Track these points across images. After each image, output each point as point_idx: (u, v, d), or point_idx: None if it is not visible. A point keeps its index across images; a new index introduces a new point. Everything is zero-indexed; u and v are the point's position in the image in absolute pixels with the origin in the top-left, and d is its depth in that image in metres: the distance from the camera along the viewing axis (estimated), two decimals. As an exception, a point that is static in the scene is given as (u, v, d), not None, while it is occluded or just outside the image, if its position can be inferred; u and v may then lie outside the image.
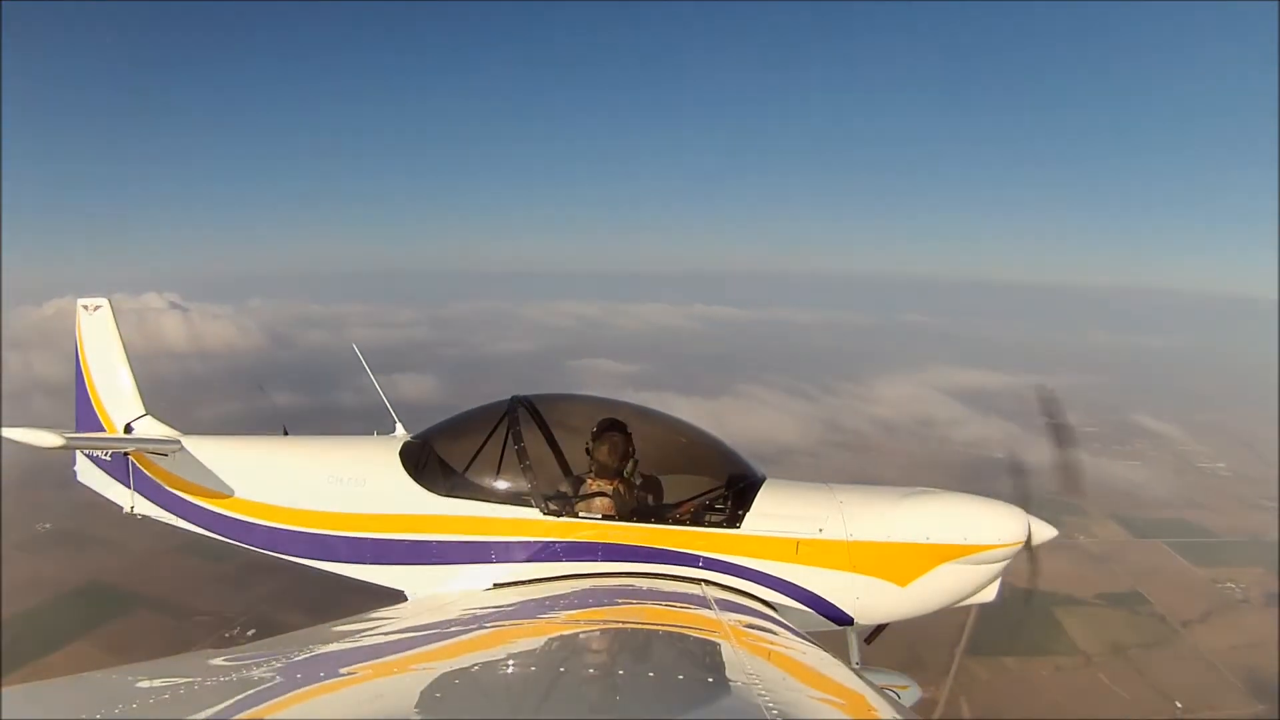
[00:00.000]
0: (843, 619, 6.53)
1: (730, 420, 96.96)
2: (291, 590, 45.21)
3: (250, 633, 46.18)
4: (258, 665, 4.06)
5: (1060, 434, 6.99)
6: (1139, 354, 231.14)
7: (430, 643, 4.92)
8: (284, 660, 4.14)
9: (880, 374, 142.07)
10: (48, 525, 63.60)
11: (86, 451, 8.92)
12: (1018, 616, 58.62)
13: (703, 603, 5.78)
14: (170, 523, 8.38)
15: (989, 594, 6.82)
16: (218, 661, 4.25)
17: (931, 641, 51.39)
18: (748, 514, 6.48)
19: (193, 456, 7.91)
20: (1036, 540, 6.62)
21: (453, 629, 5.19)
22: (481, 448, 6.93)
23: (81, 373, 9.22)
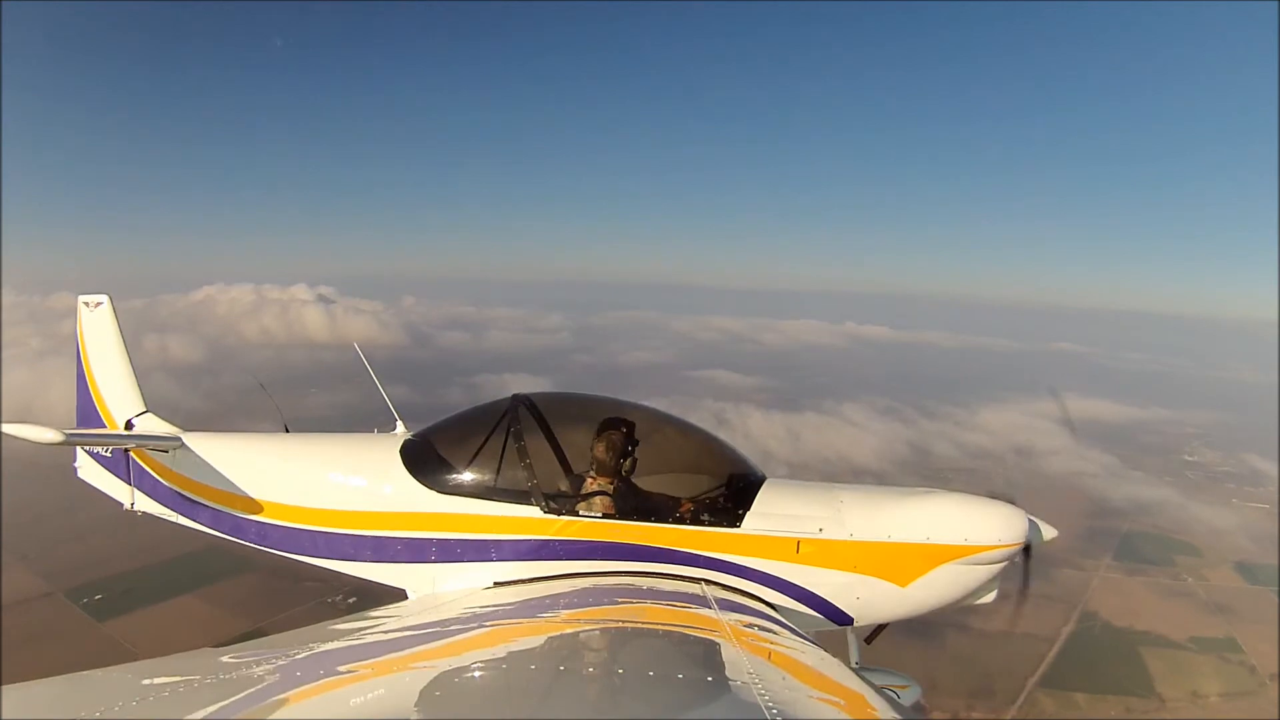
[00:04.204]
0: (843, 619, 6.55)
1: (806, 437, 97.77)
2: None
3: (351, 600, 47.30)
4: (258, 664, 4.11)
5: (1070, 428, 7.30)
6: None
7: (430, 641, 4.98)
8: (284, 659, 4.20)
9: (998, 400, 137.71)
10: (176, 489, 68.47)
11: (87, 448, 8.95)
12: (1102, 652, 57.42)
13: (703, 602, 5.83)
14: (171, 520, 8.42)
15: (989, 595, 6.74)
16: (218, 660, 4.29)
17: (1006, 670, 50.90)
18: (748, 513, 6.49)
19: (193, 453, 7.91)
20: (1037, 541, 6.62)
21: (453, 628, 5.24)
22: (482, 446, 6.94)
23: (83, 369, 9.23)
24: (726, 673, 4.03)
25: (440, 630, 5.18)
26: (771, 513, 6.49)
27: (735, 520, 6.48)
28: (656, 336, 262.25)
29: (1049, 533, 6.77)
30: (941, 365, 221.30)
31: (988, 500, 6.63)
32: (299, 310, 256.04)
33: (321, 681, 3.84)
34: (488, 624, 5.48)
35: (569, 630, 5.19)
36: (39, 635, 52.02)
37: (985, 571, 6.48)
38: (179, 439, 8.06)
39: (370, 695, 3.82)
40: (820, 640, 5.45)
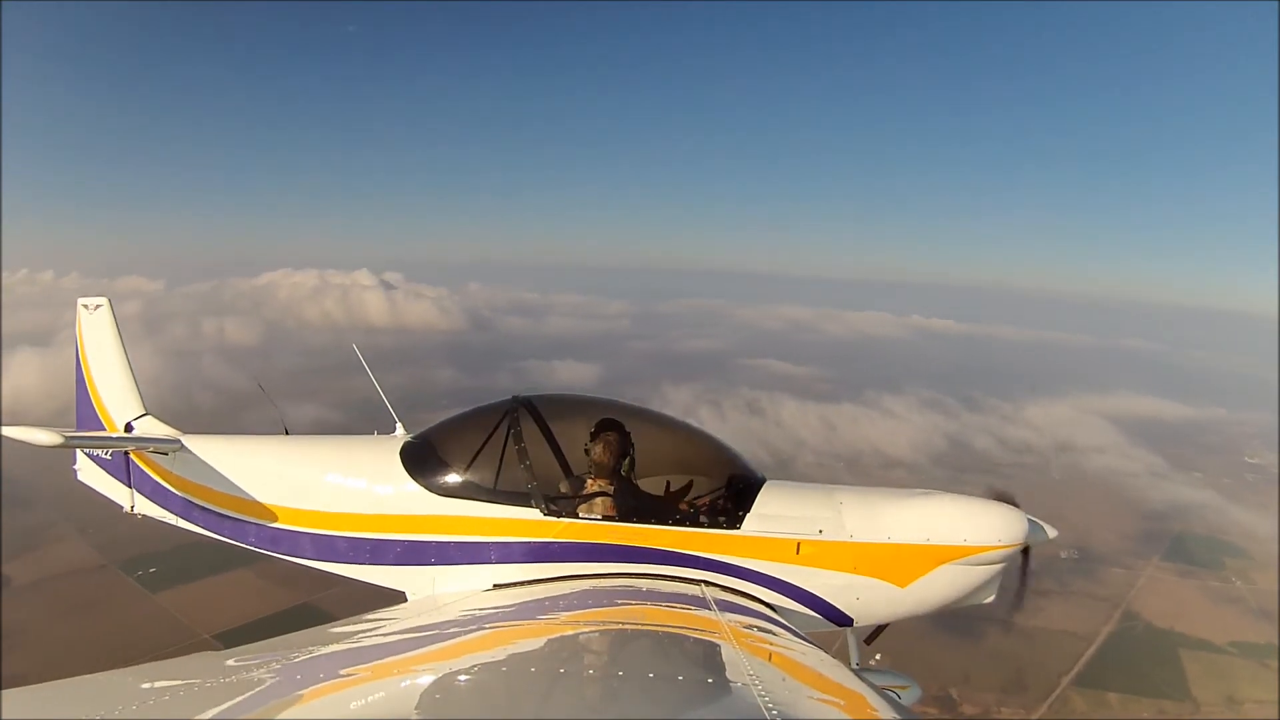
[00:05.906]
0: (843, 620, 6.56)
1: (842, 428, 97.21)
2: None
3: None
4: (259, 666, 4.16)
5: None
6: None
7: (430, 643, 4.99)
8: (285, 661, 4.24)
9: (1051, 396, 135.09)
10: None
11: (87, 450, 8.94)
12: (1140, 653, 57.04)
13: (702, 603, 5.81)
14: (171, 522, 8.40)
15: (988, 595, 6.73)
16: (219, 663, 4.30)
17: (1041, 667, 50.73)
18: (748, 515, 6.49)
19: (193, 456, 7.90)
20: (1036, 541, 6.63)
21: (453, 630, 5.25)
22: (482, 448, 6.91)
23: (82, 372, 9.17)
24: (727, 674, 4.05)
25: (440, 633, 5.23)
26: (771, 514, 6.50)
27: (735, 522, 6.49)
28: (719, 324, 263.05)
29: (1050, 532, 6.78)
30: (1004, 360, 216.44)
31: (987, 501, 6.67)
32: (360, 295, 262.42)
33: (322, 684, 3.89)
34: (488, 626, 5.52)
35: (569, 632, 5.19)
36: (90, 605, 54.42)
37: (985, 572, 6.52)
38: (178, 441, 8.10)
39: (371, 698, 3.84)
40: (820, 640, 5.50)
